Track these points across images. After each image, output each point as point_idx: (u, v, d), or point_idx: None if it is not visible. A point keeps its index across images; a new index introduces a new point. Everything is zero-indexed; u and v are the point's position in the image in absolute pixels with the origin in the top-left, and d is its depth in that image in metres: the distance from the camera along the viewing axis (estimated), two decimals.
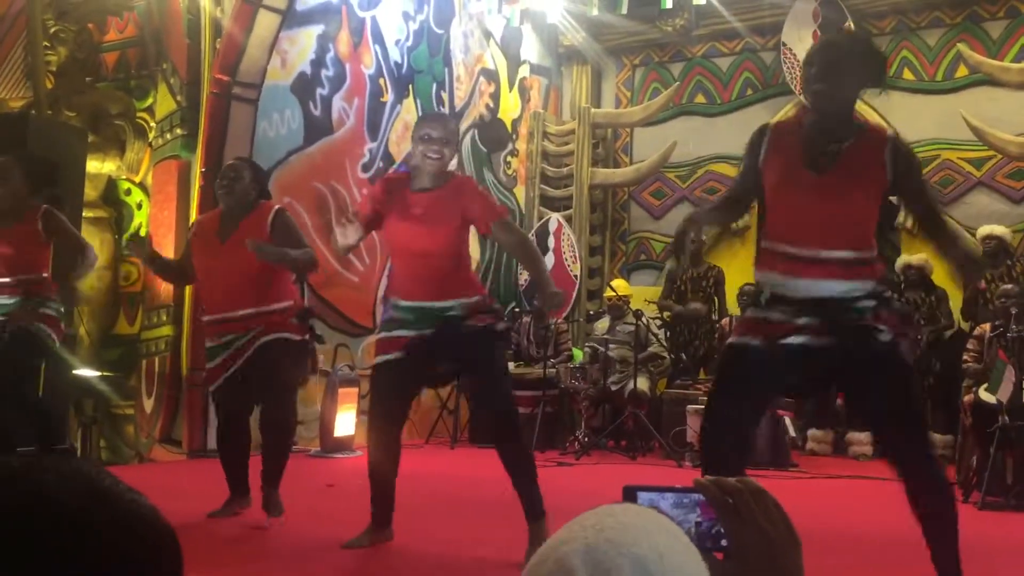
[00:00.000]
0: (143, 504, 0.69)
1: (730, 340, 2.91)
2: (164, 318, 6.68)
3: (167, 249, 6.71)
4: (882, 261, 2.88)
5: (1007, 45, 8.24)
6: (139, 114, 7.20)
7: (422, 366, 3.63)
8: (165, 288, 6.68)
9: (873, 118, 4.73)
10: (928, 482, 2.66)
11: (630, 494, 0.98)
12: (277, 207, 4.23)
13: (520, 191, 9.77)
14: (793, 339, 2.70)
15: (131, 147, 7.18)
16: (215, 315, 4.14)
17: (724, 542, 0.96)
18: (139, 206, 7.15)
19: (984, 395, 5.35)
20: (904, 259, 7.53)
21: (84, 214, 6.30)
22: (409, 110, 8.40)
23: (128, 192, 7.24)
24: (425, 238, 3.54)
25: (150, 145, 7.09)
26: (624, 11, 8.62)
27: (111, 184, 7.25)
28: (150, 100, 7.13)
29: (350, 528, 3.89)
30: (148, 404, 6.71)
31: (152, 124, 7.07)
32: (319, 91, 7.50)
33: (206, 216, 4.57)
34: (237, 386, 4.09)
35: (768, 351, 2.73)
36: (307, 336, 4.22)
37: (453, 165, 8.94)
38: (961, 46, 8.20)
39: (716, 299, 8.15)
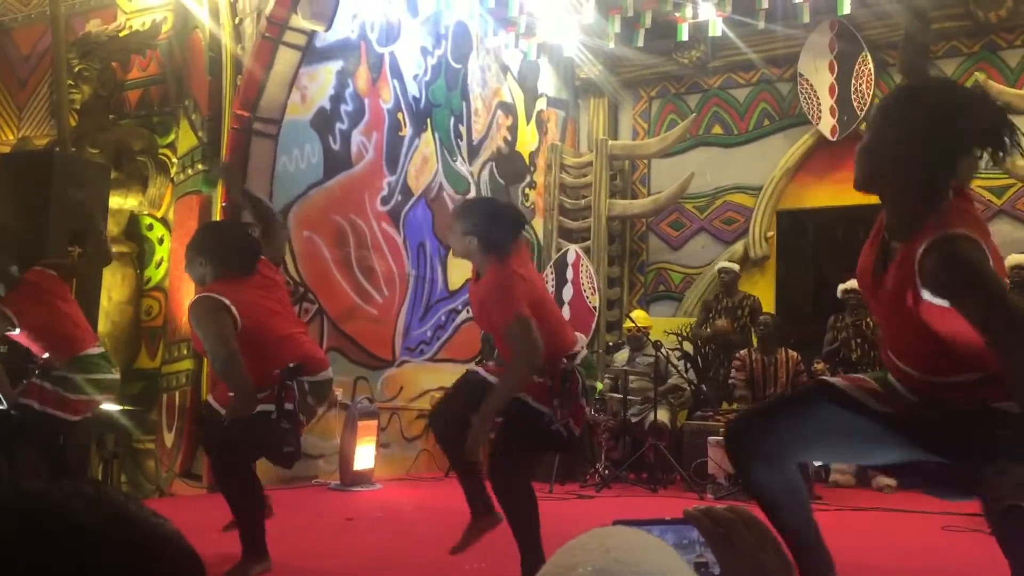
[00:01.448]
0: (168, 528, 0.69)
1: None
2: (184, 352, 6.72)
3: (188, 283, 6.76)
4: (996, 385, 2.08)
5: None
6: (161, 150, 7.29)
7: None
8: (186, 322, 6.71)
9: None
10: None
11: None
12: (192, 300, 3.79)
13: (538, 223, 9.80)
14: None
15: (153, 183, 7.27)
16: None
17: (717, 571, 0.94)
18: (160, 241, 7.21)
19: None
20: (1015, 258, 7.05)
21: None
22: (427, 144, 8.47)
23: (150, 227, 7.31)
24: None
25: (172, 181, 7.17)
26: (640, 44, 8.68)
27: (133, 219, 7.33)
28: (172, 136, 7.22)
29: (370, 561, 3.86)
30: (169, 438, 6.73)
31: (174, 160, 7.16)
32: (338, 126, 7.58)
33: None
34: None
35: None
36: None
37: (472, 197, 9.01)
38: (979, 75, 8.20)
39: (751, 328, 8.12)
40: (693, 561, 0.95)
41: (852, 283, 7.78)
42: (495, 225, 3.47)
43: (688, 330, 8.44)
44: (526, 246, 3.75)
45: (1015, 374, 1.91)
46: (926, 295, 2.06)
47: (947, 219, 2.07)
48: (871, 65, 8.64)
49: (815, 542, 2.56)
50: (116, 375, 5.20)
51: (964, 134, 2.11)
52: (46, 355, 4.90)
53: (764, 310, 8.22)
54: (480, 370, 3.76)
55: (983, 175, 8.08)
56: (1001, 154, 2.11)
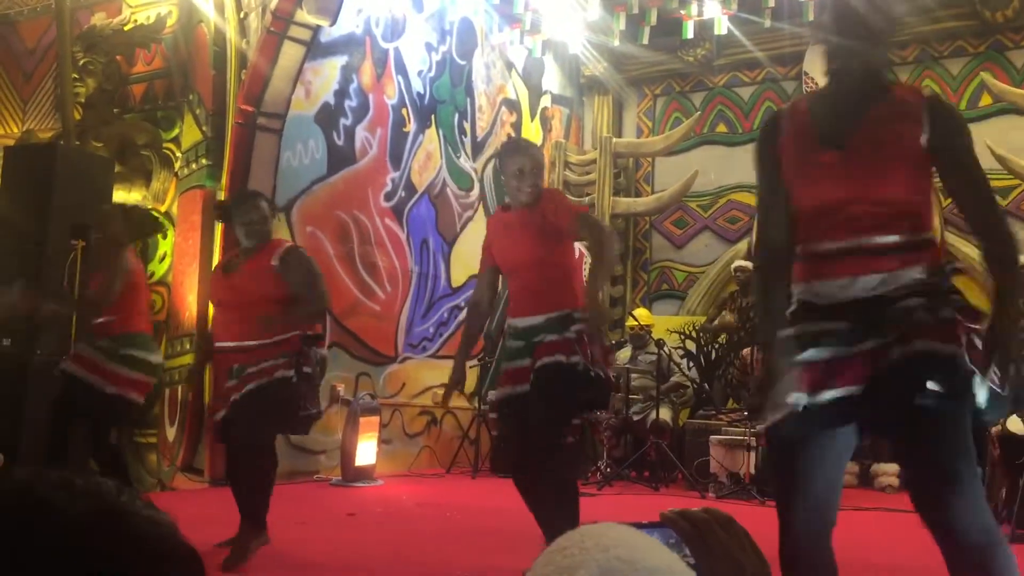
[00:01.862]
0: (161, 521, 0.67)
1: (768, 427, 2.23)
2: (187, 346, 6.72)
3: (191, 277, 6.77)
4: (935, 246, 2.23)
5: None
6: (165, 144, 7.29)
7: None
8: (188, 316, 6.72)
9: None
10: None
11: None
12: (288, 244, 4.22)
13: None
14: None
15: (157, 177, 7.26)
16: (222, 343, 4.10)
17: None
18: (164, 235, 7.21)
19: (1012, 426, 5.28)
20: None
21: None
22: (431, 140, 8.46)
23: None
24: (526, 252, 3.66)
25: (176, 175, 7.17)
26: (645, 41, 8.66)
27: None
28: (176, 131, 7.22)
29: (371, 557, 3.86)
30: (170, 432, 6.74)
31: (178, 154, 7.15)
32: (342, 121, 7.57)
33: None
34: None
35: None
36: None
37: (476, 194, 9.01)
38: (985, 75, 8.18)
39: None
40: (689, 562, 0.94)
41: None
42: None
43: (691, 328, 8.43)
44: None
45: (1004, 256, 2.13)
46: (924, 139, 2.15)
47: (913, 87, 2.41)
48: None
49: None
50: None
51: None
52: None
53: None
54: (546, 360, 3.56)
55: (988, 175, 8.06)
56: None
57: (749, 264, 8.48)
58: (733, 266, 8.58)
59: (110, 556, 0.62)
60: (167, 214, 7.23)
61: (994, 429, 5.60)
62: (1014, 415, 5.35)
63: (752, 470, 6.64)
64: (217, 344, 4.15)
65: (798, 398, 2.10)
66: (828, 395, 2.08)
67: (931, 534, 2.08)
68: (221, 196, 6.66)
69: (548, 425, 3.49)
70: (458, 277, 8.61)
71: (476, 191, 8.93)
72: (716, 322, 8.35)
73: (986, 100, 8.25)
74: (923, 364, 2.01)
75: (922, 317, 2.05)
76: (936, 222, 2.31)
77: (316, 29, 6.93)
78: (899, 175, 2.16)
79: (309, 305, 4.06)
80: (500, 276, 3.82)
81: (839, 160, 2.18)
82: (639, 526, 0.95)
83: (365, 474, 6.80)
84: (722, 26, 8.20)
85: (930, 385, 1.98)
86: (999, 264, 2.12)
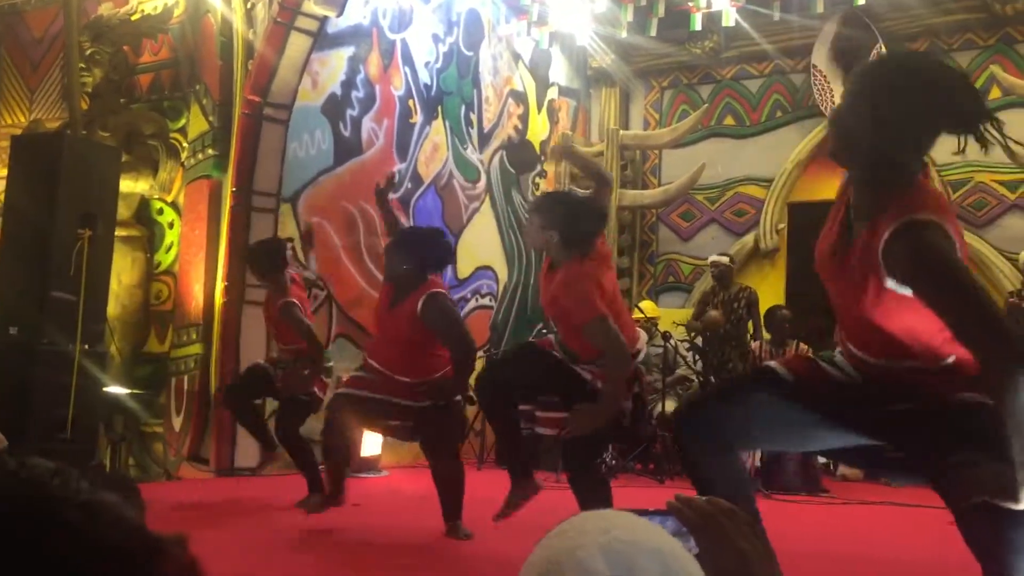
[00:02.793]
0: (104, 511, 0.59)
1: None
2: (194, 336, 6.73)
3: (197, 267, 6.77)
4: (963, 370, 1.99)
5: None
6: (172, 134, 7.29)
7: None
8: (195, 307, 6.73)
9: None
10: None
11: None
12: (428, 292, 4.29)
13: None
14: None
15: (164, 167, 7.27)
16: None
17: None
18: (171, 225, 7.22)
19: None
20: None
21: (116, 233, 6.37)
22: (438, 131, 8.44)
23: (160, 211, 7.32)
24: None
25: (182, 165, 7.17)
26: (653, 33, 8.62)
27: (144, 203, 7.33)
28: (183, 121, 7.22)
29: (375, 547, 3.87)
30: (177, 422, 6.75)
31: (184, 144, 7.15)
32: (349, 112, 7.56)
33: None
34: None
35: None
36: None
37: (482, 186, 9.00)
38: (994, 68, 8.13)
39: (751, 321, 8.07)
40: (693, 552, 0.95)
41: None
42: (577, 222, 3.55)
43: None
44: (605, 243, 3.82)
45: (994, 375, 1.79)
46: (890, 283, 1.95)
47: (912, 200, 1.94)
48: None
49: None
50: None
51: (936, 112, 1.96)
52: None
53: (775, 303, 8.18)
54: (540, 343, 3.87)
55: (996, 169, 8.03)
56: (970, 139, 1.99)
57: (724, 259, 8.39)
58: (709, 260, 8.51)
59: (25, 544, 0.55)
60: (174, 204, 7.23)
61: None
62: None
63: (758, 463, 6.64)
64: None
65: None
66: None
67: None
68: (229, 187, 6.67)
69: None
70: (464, 268, 8.61)
71: (483, 183, 8.92)
72: (703, 319, 8.27)
73: (995, 93, 8.20)
74: None
75: None
76: None
77: (323, 20, 6.92)
78: (881, 306, 2.02)
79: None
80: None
81: (835, 273, 2.14)
82: (644, 513, 0.95)
83: (370, 465, 6.81)
84: (730, 18, 8.15)
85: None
86: (997, 382, 1.81)
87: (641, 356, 3.68)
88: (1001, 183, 8.14)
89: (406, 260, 4.30)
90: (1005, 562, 1.82)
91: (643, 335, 3.85)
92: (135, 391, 6.85)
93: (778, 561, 0.98)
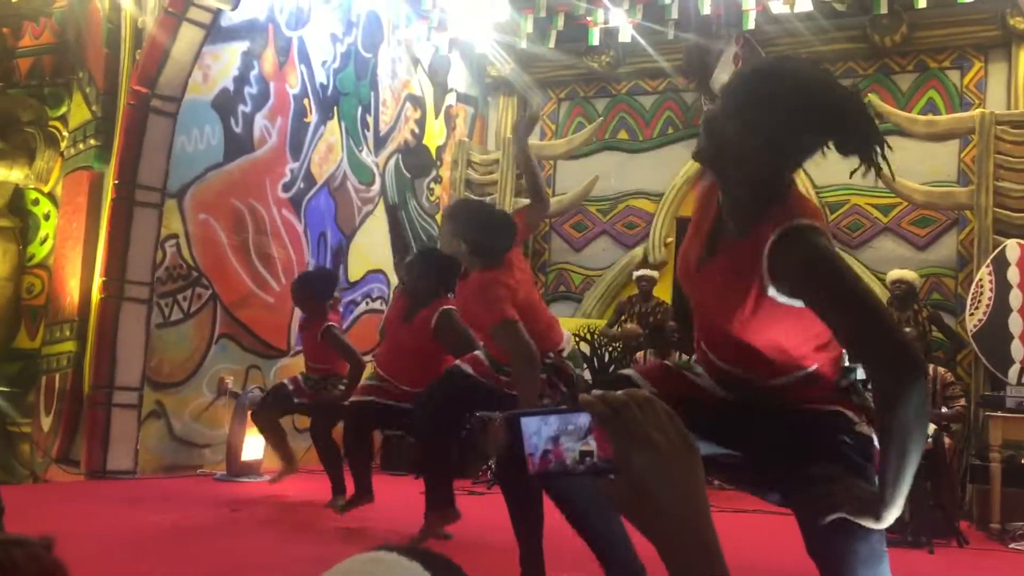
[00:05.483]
0: None
1: None
2: (67, 333, 6.46)
3: (74, 261, 6.51)
4: (821, 380, 1.99)
5: (915, 97, 8.59)
6: (51, 122, 7.00)
7: None
8: (70, 302, 6.47)
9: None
10: None
11: (514, 421, 0.91)
12: (442, 308, 4.62)
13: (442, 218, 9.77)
14: None
15: (41, 156, 6.97)
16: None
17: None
18: (47, 216, 6.93)
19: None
20: (896, 273, 7.47)
21: None
22: (333, 132, 8.34)
23: (36, 202, 7.02)
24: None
25: (61, 155, 6.89)
26: (552, 44, 8.72)
27: (18, 193, 7.02)
28: (64, 109, 6.94)
29: (254, 552, 3.79)
30: (46, 422, 6.46)
31: (65, 133, 6.87)
32: (241, 108, 7.40)
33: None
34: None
35: None
36: None
37: (376, 188, 8.92)
38: (872, 96, 8.51)
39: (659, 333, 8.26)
40: (579, 449, 0.90)
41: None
42: (487, 235, 3.64)
43: (587, 330, 8.53)
44: (518, 248, 3.85)
45: (888, 385, 1.71)
46: (772, 291, 1.85)
47: (792, 206, 1.88)
48: None
49: (625, 544, 2.58)
50: None
51: (809, 115, 1.86)
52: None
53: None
54: (463, 366, 4.00)
55: (870, 193, 8.40)
56: (854, 160, 1.94)
57: (654, 273, 8.63)
58: (636, 274, 8.70)
59: None
60: (50, 195, 6.94)
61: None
62: None
63: None
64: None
65: None
66: None
67: None
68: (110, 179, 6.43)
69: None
70: (355, 271, 8.52)
71: (377, 185, 8.86)
72: (617, 328, 8.46)
73: None
74: None
75: None
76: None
77: (217, 12, 6.75)
78: (744, 322, 1.95)
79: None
80: None
81: (698, 278, 2.06)
82: (557, 410, 0.92)
83: (251, 469, 6.65)
84: (627, 34, 8.32)
85: None
86: (891, 392, 1.72)
87: (565, 353, 3.79)
88: (875, 207, 8.53)
89: (430, 276, 4.71)
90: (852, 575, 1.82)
91: (568, 335, 4.01)
92: (1, 388, 6.54)
93: (698, 454, 0.90)
